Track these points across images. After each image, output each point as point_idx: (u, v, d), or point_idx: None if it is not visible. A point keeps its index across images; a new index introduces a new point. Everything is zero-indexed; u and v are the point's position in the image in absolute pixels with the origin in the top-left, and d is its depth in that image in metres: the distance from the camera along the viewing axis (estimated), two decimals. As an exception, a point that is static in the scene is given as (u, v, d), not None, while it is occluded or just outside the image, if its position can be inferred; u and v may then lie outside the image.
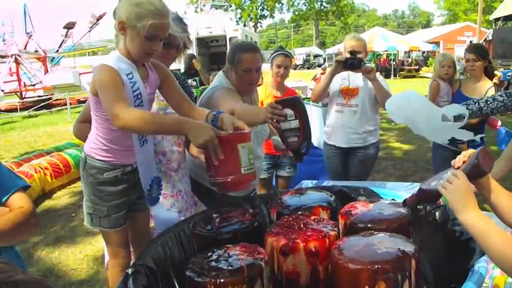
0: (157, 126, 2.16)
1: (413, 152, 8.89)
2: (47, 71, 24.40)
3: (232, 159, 2.04)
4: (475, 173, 1.66)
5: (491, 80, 4.31)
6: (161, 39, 2.25)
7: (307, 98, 9.04)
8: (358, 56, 4.19)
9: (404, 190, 3.40)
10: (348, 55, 4.23)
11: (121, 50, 2.25)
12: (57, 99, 21.00)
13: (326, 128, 4.63)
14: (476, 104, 3.13)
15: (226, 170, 2.06)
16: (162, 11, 2.18)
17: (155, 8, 2.15)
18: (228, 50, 3.15)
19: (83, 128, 2.57)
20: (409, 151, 8.95)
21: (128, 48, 2.22)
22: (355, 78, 4.32)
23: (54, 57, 26.98)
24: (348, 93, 4.37)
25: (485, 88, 4.28)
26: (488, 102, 3.08)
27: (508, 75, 3.92)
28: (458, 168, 1.74)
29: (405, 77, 31.57)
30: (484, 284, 2.04)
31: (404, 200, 1.97)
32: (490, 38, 25.48)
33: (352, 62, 4.04)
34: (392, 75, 32.00)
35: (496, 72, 3.94)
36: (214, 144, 2.00)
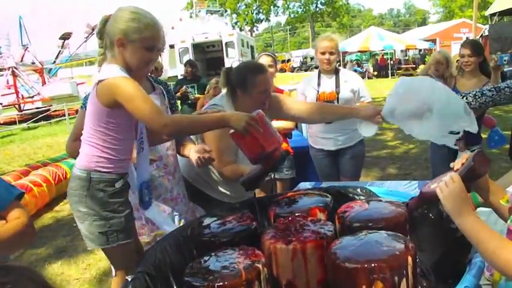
0: (202, 125, 2.42)
1: (413, 150, 8.90)
2: (45, 83, 24.44)
3: (267, 129, 2.34)
4: (471, 176, 1.70)
5: (487, 76, 4.30)
6: (157, 49, 2.37)
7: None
8: (331, 56, 4.19)
9: (402, 188, 3.42)
10: (320, 56, 4.24)
11: (118, 64, 2.28)
12: (55, 111, 21.03)
13: (310, 133, 4.56)
14: (464, 98, 3.10)
15: (273, 138, 2.36)
16: (156, 21, 2.32)
17: (151, 20, 2.30)
18: (231, 76, 3.04)
19: (77, 147, 2.51)
20: (408, 149, 8.95)
21: (128, 61, 2.29)
22: (328, 83, 4.27)
23: (51, 69, 27.03)
24: (326, 98, 4.27)
25: (481, 84, 4.27)
26: (477, 97, 3.07)
27: (505, 60, 3.91)
28: (457, 170, 1.77)
29: (403, 75, 31.58)
30: (487, 282, 2.04)
31: (407, 204, 2.00)
32: (487, 33, 25.49)
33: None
34: (390, 75, 32.06)
35: (492, 56, 3.93)
36: (254, 121, 2.25)
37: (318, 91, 4.29)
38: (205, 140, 2.95)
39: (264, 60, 4.54)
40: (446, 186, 1.64)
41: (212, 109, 2.98)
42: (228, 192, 3.18)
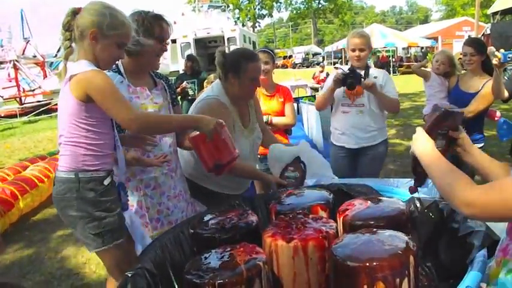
0: (171, 123, 2.43)
1: (414, 147, 8.88)
2: (46, 76, 24.36)
3: (228, 139, 2.45)
4: (439, 118, 1.82)
5: (490, 74, 4.29)
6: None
7: (306, 97, 9.05)
8: (362, 53, 4.13)
9: (404, 186, 3.40)
10: (350, 53, 4.17)
11: (87, 58, 2.28)
12: (56, 104, 20.89)
13: (333, 129, 4.49)
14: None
15: (230, 150, 2.47)
16: (129, 20, 2.39)
17: (125, 18, 2.35)
18: (227, 59, 3.09)
19: None
20: (409, 147, 8.92)
21: (98, 56, 2.30)
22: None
23: (52, 62, 26.94)
24: (352, 93, 4.22)
25: (482, 83, 4.26)
26: None
27: (509, 57, 3.86)
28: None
29: (404, 73, 31.49)
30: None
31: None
32: (488, 32, 25.45)
33: (351, 83, 3.97)
34: (391, 72, 32.03)
35: (496, 53, 3.89)
36: (220, 127, 2.36)
37: None
38: None
39: (260, 57, 4.52)
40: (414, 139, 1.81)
41: (207, 99, 3.05)
42: (226, 184, 3.19)
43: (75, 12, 2.31)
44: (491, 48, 4.07)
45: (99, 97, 2.17)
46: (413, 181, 1.96)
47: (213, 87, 3.22)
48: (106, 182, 2.33)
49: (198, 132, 2.40)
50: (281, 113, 4.62)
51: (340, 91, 4.27)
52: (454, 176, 1.51)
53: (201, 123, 2.34)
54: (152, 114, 2.39)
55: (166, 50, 2.82)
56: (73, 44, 2.34)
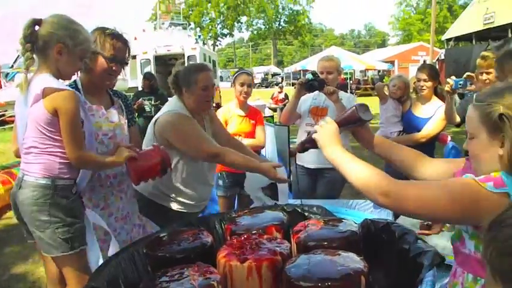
0: (104, 166, 2.64)
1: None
2: (1, 87, 23.76)
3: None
4: (350, 120, 2.08)
5: (441, 99, 4.42)
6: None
7: (265, 117, 9.09)
8: (329, 76, 4.22)
9: (358, 207, 3.47)
10: (320, 75, 4.19)
11: (51, 71, 2.38)
12: (11, 116, 20.39)
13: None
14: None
15: (152, 149, 2.76)
16: (89, 35, 2.52)
17: (87, 33, 2.48)
18: (178, 76, 3.24)
19: None
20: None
21: (61, 69, 2.41)
22: (325, 98, 4.21)
23: (8, 73, 26.31)
24: (317, 113, 4.31)
25: (435, 108, 4.40)
26: None
27: (460, 84, 4.02)
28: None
29: (361, 95, 32.09)
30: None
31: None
32: (443, 57, 26.24)
33: (312, 84, 3.99)
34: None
35: (448, 80, 4.04)
36: (128, 147, 2.64)
37: (311, 104, 4.38)
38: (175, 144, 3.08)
39: (243, 78, 4.62)
40: (321, 127, 1.95)
41: (170, 114, 3.12)
42: (188, 201, 3.22)
43: (35, 23, 2.35)
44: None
45: (63, 118, 2.30)
46: (301, 149, 2.18)
47: (171, 102, 3.28)
48: (74, 191, 2.47)
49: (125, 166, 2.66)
50: (251, 135, 4.66)
51: (306, 110, 4.36)
52: (372, 170, 1.63)
53: (117, 158, 2.55)
54: (92, 158, 2.49)
55: (119, 70, 2.77)
56: (34, 55, 2.39)
